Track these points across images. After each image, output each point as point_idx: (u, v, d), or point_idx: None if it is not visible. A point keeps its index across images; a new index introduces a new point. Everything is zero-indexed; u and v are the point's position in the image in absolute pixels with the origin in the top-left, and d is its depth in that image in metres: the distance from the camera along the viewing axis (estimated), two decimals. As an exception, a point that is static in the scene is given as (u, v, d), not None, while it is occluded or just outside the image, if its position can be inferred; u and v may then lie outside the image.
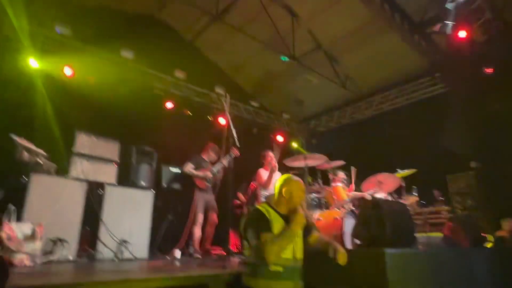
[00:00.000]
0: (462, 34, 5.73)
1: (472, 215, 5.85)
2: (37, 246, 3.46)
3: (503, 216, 5.16)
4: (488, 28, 5.98)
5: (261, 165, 5.06)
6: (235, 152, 4.37)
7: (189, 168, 5.05)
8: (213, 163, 5.28)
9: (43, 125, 5.23)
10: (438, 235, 5.23)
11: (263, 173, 4.93)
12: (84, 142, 4.65)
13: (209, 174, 5.10)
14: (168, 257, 5.07)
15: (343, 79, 8.18)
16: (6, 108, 4.92)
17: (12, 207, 3.47)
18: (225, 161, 4.67)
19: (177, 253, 5.05)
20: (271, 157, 4.99)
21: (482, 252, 3.57)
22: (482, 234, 4.39)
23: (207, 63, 8.40)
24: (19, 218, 3.60)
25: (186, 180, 5.42)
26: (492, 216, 5.38)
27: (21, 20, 5.34)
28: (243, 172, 5.63)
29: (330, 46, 7.58)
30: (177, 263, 4.24)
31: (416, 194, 5.61)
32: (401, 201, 5.14)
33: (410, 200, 5.51)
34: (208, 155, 5.35)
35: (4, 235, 3.21)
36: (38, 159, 4.06)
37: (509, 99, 6.13)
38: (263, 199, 4.61)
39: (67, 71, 6.03)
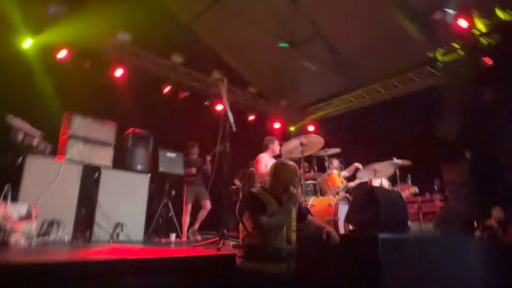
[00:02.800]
0: (463, 23, 5.70)
1: (463, 204, 5.94)
2: (32, 226, 3.46)
3: (495, 205, 5.25)
4: (489, 18, 5.94)
5: (263, 150, 4.94)
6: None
7: None
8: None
9: (39, 106, 5.17)
10: (430, 223, 5.32)
11: (263, 159, 4.85)
12: (80, 124, 4.62)
13: (192, 171, 5.74)
14: (163, 240, 5.14)
15: (341, 67, 8.12)
16: (1, 89, 4.85)
17: (7, 187, 3.46)
18: (208, 158, 5.61)
19: (172, 237, 5.13)
20: (277, 145, 4.90)
21: (473, 241, 3.64)
22: (472, 223, 4.47)
23: (204, 48, 8.28)
24: (14, 199, 3.59)
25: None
26: (484, 205, 5.46)
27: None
28: (240, 158, 5.65)
29: (330, 34, 7.50)
30: (172, 246, 4.29)
31: (410, 183, 5.68)
32: (396, 189, 5.20)
33: (410, 190, 5.54)
34: (193, 153, 5.95)
35: (-1, 215, 3.22)
36: (34, 140, 4.03)
37: (505, 91, 6.15)
38: (258, 185, 4.63)
39: (62, 53, 5.93)
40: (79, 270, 1.91)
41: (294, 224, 2.42)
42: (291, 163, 2.52)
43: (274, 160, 4.78)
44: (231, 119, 3.88)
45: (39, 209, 3.60)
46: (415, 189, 5.59)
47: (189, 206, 5.67)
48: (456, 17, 5.79)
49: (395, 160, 5.08)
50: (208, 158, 5.82)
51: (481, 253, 3.45)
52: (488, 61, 6.24)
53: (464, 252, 3.25)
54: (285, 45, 7.24)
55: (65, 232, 4.00)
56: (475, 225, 4.49)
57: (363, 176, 5.36)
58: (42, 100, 5.33)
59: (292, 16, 6.91)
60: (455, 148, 6.37)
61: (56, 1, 5.75)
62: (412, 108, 7.18)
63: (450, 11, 5.75)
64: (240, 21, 7.01)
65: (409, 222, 4.53)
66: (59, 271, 1.84)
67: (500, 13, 5.59)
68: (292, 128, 9.68)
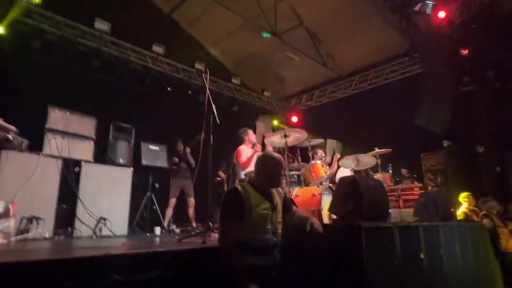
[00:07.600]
0: (441, 14, 5.82)
1: (442, 191, 6.14)
2: (10, 224, 3.37)
3: (471, 193, 5.44)
4: (466, 9, 6.08)
5: (240, 143, 4.89)
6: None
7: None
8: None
9: (13, 99, 4.96)
10: (410, 210, 5.47)
11: (243, 151, 4.83)
12: (57, 117, 4.47)
13: (175, 160, 5.90)
14: (148, 234, 5.10)
15: (324, 58, 8.16)
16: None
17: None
18: (188, 150, 5.90)
19: (157, 230, 5.10)
20: (252, 134, 4.87)
21: (451, 226, 3.76)
22: (450, 210, 4.62)
23: (186, 38, 8.12)
24: (-10, 196, 3.47)
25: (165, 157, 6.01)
26: (460, 192, 5.66)
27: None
28: (223, 150, 5.61)
29: (313, 24, 7.50)
30: (157, 240, 4.26)
31: (391, 171, 5.81)
32: (376, 177, 5.32)
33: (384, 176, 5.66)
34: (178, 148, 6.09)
35: (-26, 213, 3.11)
36: (8, 135, 3.88)
37: (481, 81, 6.34)
38: (242, 176, 4.62)
39: (39, 42, 5.69)
40: (59, 269, 1.86)
41: (279, 216, 2.43)
42: (276, 155, 2.52)
43: (252, 149, 4.73)
44: (215, 111, 3.84)
45: (17, 206, 3.50)
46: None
47: (173, 200, 5.69)
48: (435, 8, 5.89)
49: (377, 150, 5.18)
50: (188, 150, 5.89)
51: (459, 238, 3.59)
52: (465, 51, 6.40)
53: (443, 238, 3.36)
54: (268, 35, 7.20)
55: (45, 228, 3.90)
56: (453, 212, 4.65)
57: (346, 164, 5.42)
58: (18, 93, 5.11)
59: (275, 5, 6.86)
60: (434, 137, 6.55)
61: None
62: (394, 97, 7.30)
63: (429, 2, 5.84)
64: (222, 10, 6.89)
65: (389, 210, 4.66)
66: (38, 270, 1.78)
67: None
68: (275, 122, 9.67)
